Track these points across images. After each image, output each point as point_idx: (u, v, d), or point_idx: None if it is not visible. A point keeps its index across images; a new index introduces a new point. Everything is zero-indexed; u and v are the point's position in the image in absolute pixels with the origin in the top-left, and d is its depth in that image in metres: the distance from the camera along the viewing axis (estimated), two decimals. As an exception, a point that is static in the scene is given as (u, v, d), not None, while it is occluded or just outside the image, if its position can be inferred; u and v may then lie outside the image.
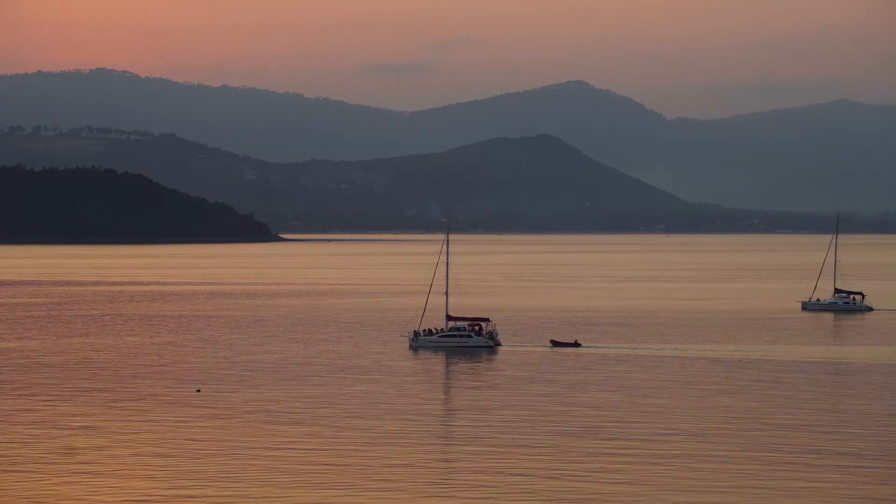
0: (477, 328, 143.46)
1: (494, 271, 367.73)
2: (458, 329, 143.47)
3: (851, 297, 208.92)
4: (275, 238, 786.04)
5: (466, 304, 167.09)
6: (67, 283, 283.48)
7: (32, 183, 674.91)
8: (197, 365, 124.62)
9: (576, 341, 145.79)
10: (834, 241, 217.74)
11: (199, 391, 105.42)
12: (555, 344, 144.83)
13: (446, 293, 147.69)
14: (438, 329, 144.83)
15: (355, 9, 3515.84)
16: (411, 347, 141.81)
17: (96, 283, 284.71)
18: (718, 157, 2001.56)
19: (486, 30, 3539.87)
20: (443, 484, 68.71)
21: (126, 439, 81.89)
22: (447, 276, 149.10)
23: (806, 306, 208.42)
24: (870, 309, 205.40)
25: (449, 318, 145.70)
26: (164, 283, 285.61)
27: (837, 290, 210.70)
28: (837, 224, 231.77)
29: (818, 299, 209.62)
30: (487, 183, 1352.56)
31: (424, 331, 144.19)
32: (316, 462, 74.02)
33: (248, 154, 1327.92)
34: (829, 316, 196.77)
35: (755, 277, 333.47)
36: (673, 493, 66.67)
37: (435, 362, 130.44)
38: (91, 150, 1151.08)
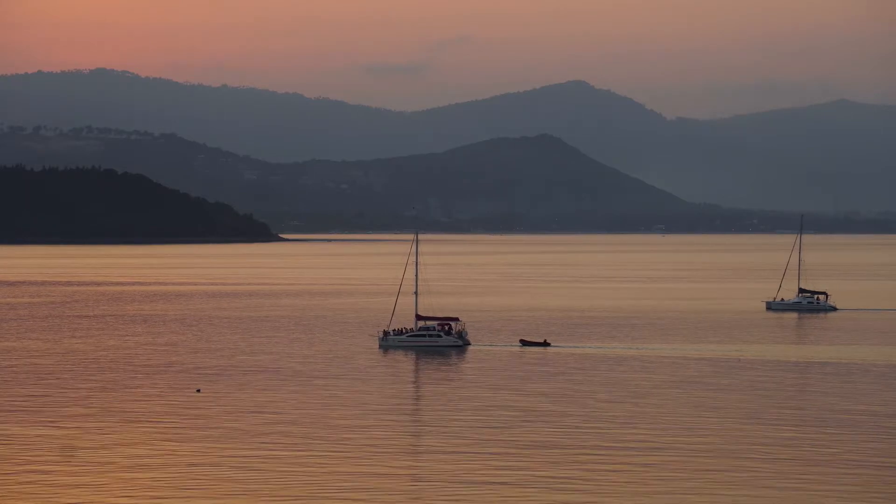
0: (446, 328, 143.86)
1: (472, 272, 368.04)
2: (428, 329, 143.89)
3: (815, 296, 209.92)
4: (275, 238, 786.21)
5: (437, 304, 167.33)
6: (67, 284, 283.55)
7: (32, 183, 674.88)
8: (197, 365, 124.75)
9: (545, 341, 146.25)
10: (798, 241, 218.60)
11: (199, 391, 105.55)
12: (524, 343, 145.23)
13: (416, 293, 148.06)
14: (408, 329, 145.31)
15: (355, 9, 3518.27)
16: (381, 347, 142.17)
17: (96, 284, 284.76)
18: (718, 157, 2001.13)
19: (486, 30, 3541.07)
20: (410, 491, 68.14)
21: (126, 440, 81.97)
22: (416, 275, 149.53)
23: (770, 306, 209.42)
24: (833, 308, 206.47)
25: (419, 317, 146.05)
26: (164, 284, 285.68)
27: (801, 290, 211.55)
28: (801, 224, 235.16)
29: (782, 299, 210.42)
30: (487, 183, 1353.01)
31: (394, 330, 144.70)
32: (279, 469, 73.17)
33: (248, 154, 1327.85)
34: (792, 315, 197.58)
35: (728, 277, 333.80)
36: (644, 496, 66.77)
37: (404, 362, 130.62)
38: (91, 150, 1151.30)
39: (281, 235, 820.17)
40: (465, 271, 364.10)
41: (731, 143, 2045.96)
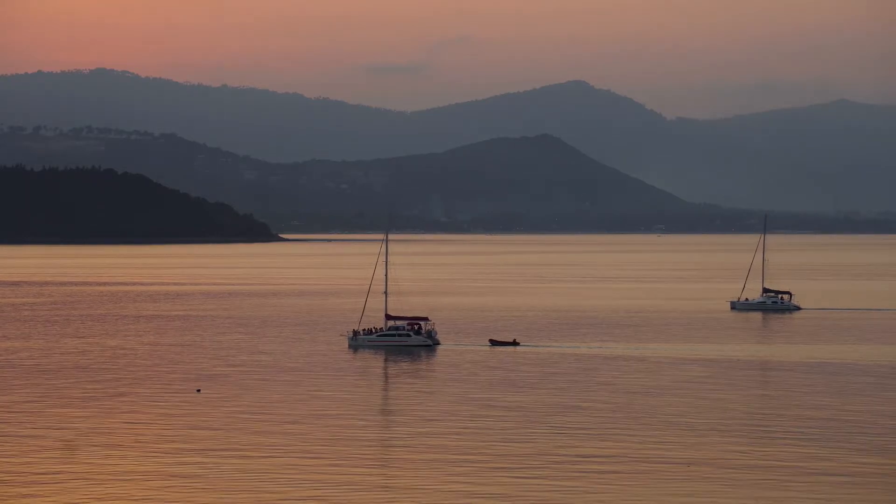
0: (416, 327, 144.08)
1: (460, 272, 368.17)
2: (398, 328, 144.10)
3: (779, 296, 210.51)
4: (275, 238, 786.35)
5: (407, 304, 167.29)
6: (67, 284, 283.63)
7: (32, 183, 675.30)
8: (197, 365, 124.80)
9: (514, 340, 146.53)
10: (762, 241, 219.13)
11: (199, 392, 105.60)
12: (493, 343, 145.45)
13: (385, 292, 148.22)
14: (378, 328, 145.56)
15: (355, 9, 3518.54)
16: (351, 346, 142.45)
17: (96, 284, 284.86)
18: (718, 157, 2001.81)
19: (486, 30, 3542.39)
20: (379, 499, 67.51)
21: (126, 440, 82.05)
22: (386, 275, 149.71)
23: (734, 306, 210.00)
24: (797, 308, 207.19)
25: (388, 317, 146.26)
26: (165, 284, 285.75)
27: (765, 290, 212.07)
28: (765, 224, 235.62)
29: (746, 299, 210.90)
30: (487, 183, 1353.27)
31: (364, 330, 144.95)
32: (250, 470, 73.10)
33: (248, 154, 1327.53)
34: (756, 315, 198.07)
35: (709, 277, 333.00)
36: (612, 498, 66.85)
37: (374, 361, 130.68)
38: (91, 150, 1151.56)
39: (281, 235, 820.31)
40: (455, 272, 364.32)
41: (731, 143, 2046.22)
